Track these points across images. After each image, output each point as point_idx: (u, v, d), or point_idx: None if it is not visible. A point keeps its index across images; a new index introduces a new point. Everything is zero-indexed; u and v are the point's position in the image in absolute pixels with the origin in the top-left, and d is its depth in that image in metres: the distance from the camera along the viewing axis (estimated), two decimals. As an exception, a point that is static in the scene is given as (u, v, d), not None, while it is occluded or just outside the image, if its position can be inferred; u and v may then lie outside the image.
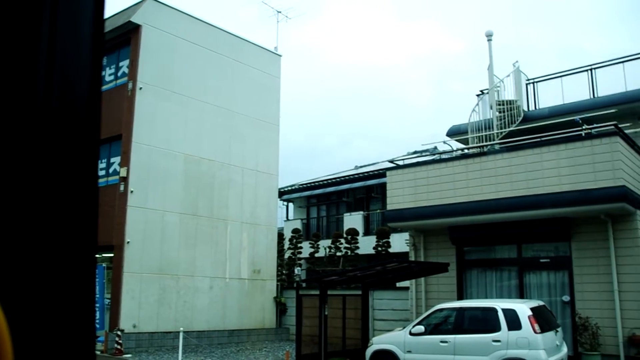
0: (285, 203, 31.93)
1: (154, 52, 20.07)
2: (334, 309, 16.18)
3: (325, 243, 25.27)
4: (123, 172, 18.96)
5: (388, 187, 16.29)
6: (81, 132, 0.99)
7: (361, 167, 32.86)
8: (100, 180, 20.18)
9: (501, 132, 17.65)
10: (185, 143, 20.61)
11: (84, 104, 1.00)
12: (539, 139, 14.52)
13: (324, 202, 30.28)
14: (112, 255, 19.75)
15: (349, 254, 22.98)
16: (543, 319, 11.47)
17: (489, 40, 18.94)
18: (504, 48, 68.35)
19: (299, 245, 24.95)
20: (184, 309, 19.89)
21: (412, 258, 16.57)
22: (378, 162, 31.96)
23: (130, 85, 19.60)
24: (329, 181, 29.93)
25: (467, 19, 75.16)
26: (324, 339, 14.08)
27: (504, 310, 11.47)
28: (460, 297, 15.47)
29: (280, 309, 22.89)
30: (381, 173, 27.11)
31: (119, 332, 17.39)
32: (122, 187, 18.99)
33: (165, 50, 20.51)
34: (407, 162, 17.90)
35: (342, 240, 23.75)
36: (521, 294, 14.63)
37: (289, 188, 31.66)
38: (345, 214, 27.63)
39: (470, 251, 15.87)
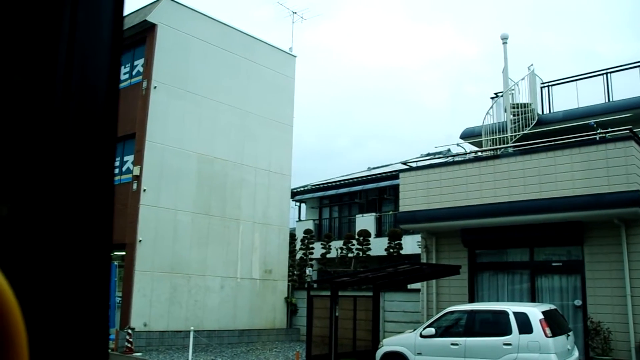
0: (298, 204, 31.98)
1: (168, 51, 20.17)
2: (345, 310, 16.17)
3: (337, 244, 25.25)
4: (136, 171, 19.08)
5: (401, 189, 16.26)
6: (98, 132, 0.99)
7: (374, 168, 32.83)
8: (114, 179, 20.30)
9: (515, 135, 17.56)
10: (199, 142, 20.69)
11: (102, 105, 1.01)
12: (553, 143, 14.42)
13: (337, 203, 30.28)
14: (123, 253, 19.87)
15: (361, 255, 22.95)
16: (554, 323, 11.40)
17: (504, 43, 18.86)
18: (518, 51, 68.17)
19: (311, 246, 24.96)
20: (195, 308, 19.96)
21: (423, 260, 16.54)
22: (391, 164, 31.92)
23: (144, 84, 19.71)
24: (342, 182, 29.92)
25: (481, 22, 75.01)
26: (335, 340, 14.06)
27: (515, 313, 11.41)
28: (472, 300, 15.42)
29: (291, 309, 22.91)
30: (394, 175, 27.06)
31: (129, 331, 17.48)
32: (135, 186, 19.09)
33: (180, 50, 20.61)
34: (420, 164, 17.82)
35: (354, 242, 23.73)
36: (533, 298, 14.56)
37: (302, 189, 31.70)
38: (357, 216, 27.61)
39: (482, 254, 15.81)
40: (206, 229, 20.58)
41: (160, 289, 19.07)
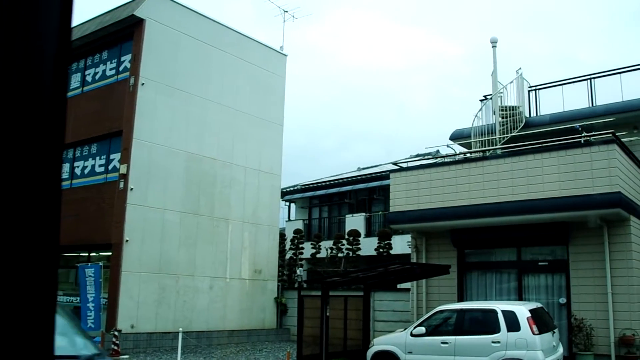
0: (287, 203, 31.83)
1: (157, 47, 19.94)
2: (335, 309, 16.02)
3: (327, 244, 25.11)
4: (123, 169, 18.82)
5: (391, 189, 16.16)
6: (41, 140, 0.99)
7: (363, 169, 32.73)
8: (99, 177, 20.09)
9: (503, 137, 17.52)
10: (187, 141, 20.47)
11: (46, 115, 1.01)
12: (540, 145, 14.49)
13: (326, 203, 30.16)
14: (109, 253, 19.63)
15: (351, 255, 22.83)
16: (541, 321, 11.49)
17: (494, 46, 18.80)
18: (502, 55, 68.35)
19: (301, 246, 24.81)
20: (184, 309, 19.75)
21: (413, 260, 16.44)
22: (381, 164, 31.85)
23: (132, 81, 19.45)
24: (332, 182, 29.80)
25: (467, 25, 75.17)
26: (326, 339, 13.93)
27: (503, 312, 11.42)
28: (461, 299, 15.36)
29: (281, 309, 22.75)
30: (383, 175, 26.99)
31: (116, 333, 17.24)
32: (121, 184, 18.84)
33: (169, 46, 20.38)
34: (410, 164, 17.75)
35: (344, 242, 23.61)
36: (520, 296, 14.60)
37: (291, 188, 31.55)
38: (347, 216, 27.50)
39: (471, 254, 15.78)
40: (195, 228, 20.37)
41: (148, 290, 18.84)
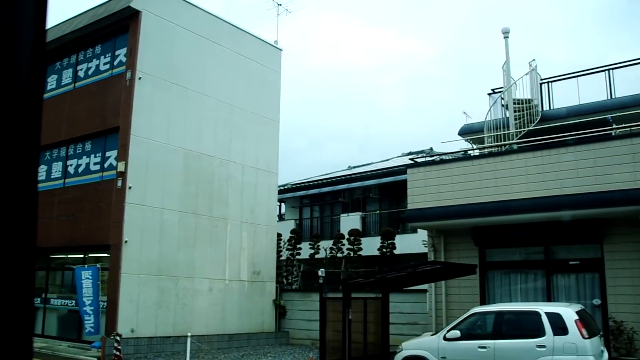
0: (278, 203, 31.02)
1: (153, 41, 19.04)
2: (354, 312, 15.35)
3: (322, 244, 24.48)
4: (121, 167, 17.89)
5: (408, 186, 15.59)
6: (18, 138, 1.04)
7: (354, 167, 32.19)
8: (95, 176, 19.11)
9: (520, 132, 17.13)
10: (185, 137, 19.62)
11: (22, 110, 1.04)
12: (574, 137, 13.98)
13: (318, 203, 29.49)
14: (106, 255, 18.71)
15: (352, 255, 22.22)
16: (587, 324, 10.93)
17: (506, 37, 18.43)
18: (474, 55, 68.81)
19: (298, 246, 24.10)
20: (183, 312, 18.89)
21: (430, 259, 15.92)
22: (372, 163, 31.38)
23: (128, 75, 18.52)
24: (324, 181, 29.17)
25: (437, 25, 75.29)
26: (348, 344, 13.28)
27: (547, 314, 10.88)
28: (483, 300, 14.89)
29: (280, 311, 22.03)
30: (379, 174, 26.50)
31: (117, 338, 16.33)
32: (119, 183, 17.91)
33: (165, 39, 19.50)
34: (424, 160, 17.20)
35: (344, 242, 22.98)
36: (549, 297, 14.10)
37: (281, 188, 30.78)
38: (342, 215, 26.87)
39: (494, 253, 15.27)
40: (193, 228, 19.53)
41: (148, 293, 17.95)
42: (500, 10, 69.93)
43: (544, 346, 10.61)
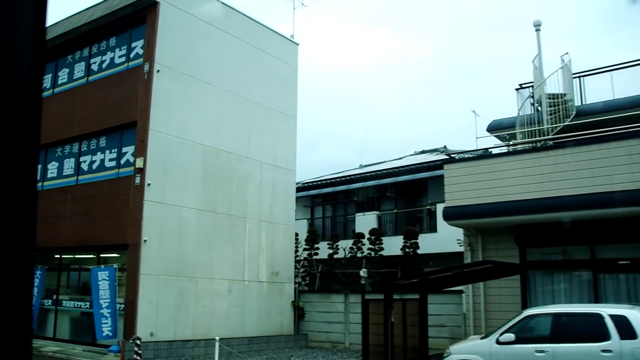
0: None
1: (171, 33, 18.33)
2: (379, 314, 14.68)
3: (341, 244, 23.82)
4: (139, 163, 17.14)
5: (446, 182, 14.96)
6: (18, 137, 0.99)
7: (366, 166, 31.56)
8: (110, 172, 18.36)
9: (555, 127, 16.53)
10: (204, 133, 18.90)
11: (22, 109, 1.00)
12: (628, 131, 13.38)
13: (330, 202, 28.79)
14: (115, 255, 18.08)
15: (373, 255, 21.55)
16: (650, 327, 10.34)
17: (537, 30, 17.85)
18: (467, 55, 68.45)
19: (316, 246, 23.42)
20: (203, 315, 18.17)
21: (467, 259, 15.32)
22: (385, 161, 30.77)
23: (146, 68, 17.79)
24: (337, 180, 28.50)
25: (431, 27, 74.82)
26: (391, 349, 12.61)
27: (612, 316, 10.28)
28: (525, 301, 14.28)
29: (298, 313, 21.36)
30: (396, 172, 25.88)
31: (138, 341, 15.60)
32: (137, 180, 17.17)
33: (183, 31, 18.79)
34: (461, 155, 16.57)
35: (364, 241, 22.32)
36: (596, 298, 13.50)
37: (293, 186, 30.07)
38: (357, 214, 26.20)
39: (535, 252, 14.66)
40: (212, 228, 18.81)
41: (167, 295, 17.22)
42: (494, 9, 69.67)
43: (610, 351, 10.00)
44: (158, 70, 17.69)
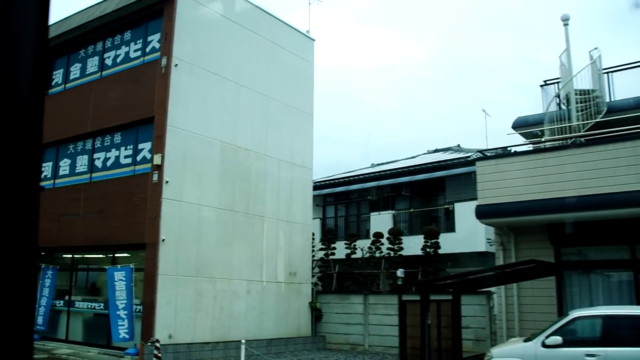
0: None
1: (189, 26, 17.83)
2: (414, 315, 14.21)
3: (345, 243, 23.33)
4: (157, 160, 16.62)
5: (478, 180, 14.48)
6: (20, 137, 1.01)
7: (377, 165, 31.07)
8: (126, 170, 17.84)
9: (586, 124, 16.09)
10: (222, 129, 18.41)
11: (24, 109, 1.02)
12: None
13: (343, 201, 28.27)
14: (126, 255, 17.61)
15: (392, 255, 21.06)
16: None
17: (566, 24, 17.42)
18: (464, 55, 68.13)
19: (332, 245, 22.91)
20: (221, 316, 17.66)
21: (498, 258, 14.85)
22: (397, 160, 30.29)
23: (164, 62, 17.27)
24: (350, 179, 28.00)
25: (428, 28, 74.45)
26: (429, 351, 12.12)
27: None
28: (561, 303, 13.82)
29: (316, 314, 20.86)
30: (412, 170, 25.41)
31: (157, 344, 15.10)
32: (155, 177, 16.65)
33: (201, 25, 18.30)
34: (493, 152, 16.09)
35: (383, 240, 21.81)
36: (637, 300, 13.04)
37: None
38: (372, 214, 25.68)
39: (571, 251, 14.20)
40: (231, 227, 18.30)
41: (185, 295, 16.71)
42: (491, 10, 69.36)
43: (666, 354, 9.56)
44: (176, 65, 17.19)
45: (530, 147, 16.94)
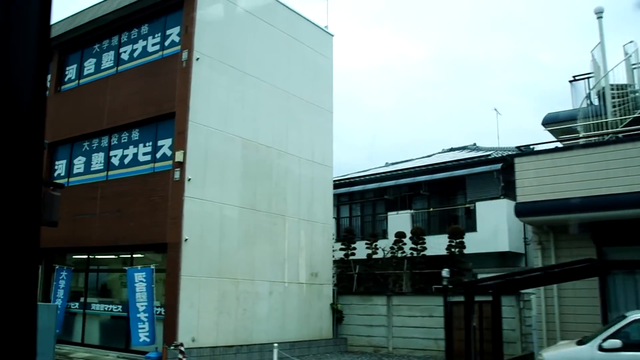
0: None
1: (209, 19, 17.27)
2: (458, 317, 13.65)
3: (362, 244, 22.80)
4: (179, 157, 16.04)
5: (517, 176, 13.97)
6: (21, 137, 0.99)
7: (392, 164, 30.55)
8: (145, 167, 17.26)
9: (624, 119, 15.57)
10: (243, 125, 17.85)
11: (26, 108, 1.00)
12: None
13: (358, 201, 27.73)
14: (139, 255, 17.06)
15: (415, 255, 20.51)
16: None
17: (599, 17, 16.90)
18: (465, 55, 67.78)
19: (352, 245, 22.36)
20: (244, 318, 17.09)
21: (537, 258, 14.32)
22: (412, 159, 29.79)
23: (184, 55, 16.69)
24: (365, 178, 27.48)
25: (428, 27, 74.10)
26: (474, 355, 11.57)
27: None
28: (605, 304, 13.31)
29: (337, 316, 20.31)
30: (430, 169, 24.90)
31: (181, 348, 14.52)
32: (177, 174, 16.07)
33: (220, 17, 17.74)
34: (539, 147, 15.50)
35: (405, 241, 21.26)
36: (688, 302, 12.56)
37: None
38: (389, 213, 25.13)
39: (614, 251, 13.68)
40: (253, 226, 17.74)
41: (208, 297, 16.13)
42: (493, 10, 69.01)
43: None
44: (197, 59, 16.62)
45: (559, 144, 16.42)
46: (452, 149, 29.37)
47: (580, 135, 15.42)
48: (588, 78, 17.85)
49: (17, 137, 0.97)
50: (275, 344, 14.01)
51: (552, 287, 13.83)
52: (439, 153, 29.31)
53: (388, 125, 67.39)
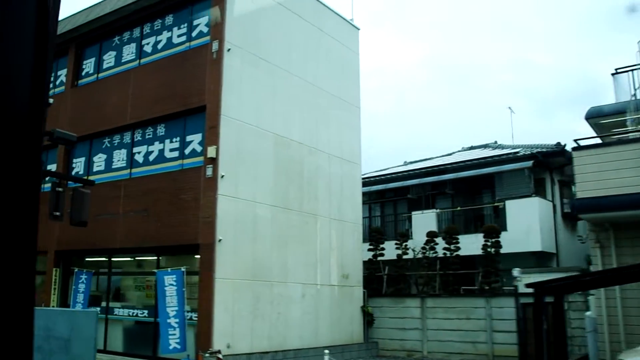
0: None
1: (238, 9, 16.44)
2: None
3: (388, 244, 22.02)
4: (211, 152, 15.19)
5: (576, 171, 13.23)
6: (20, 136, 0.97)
7: (410, 163, 29.79)
8: (172, 164, 16.40)
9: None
10: (274, 120, 17.04)
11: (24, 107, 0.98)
12: None
13: (378, 200, 26.94)
14: (154, 258, 16.25)
15: (448, 255, 19.75)
16: None
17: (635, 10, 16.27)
18: (461, 58, 67.41)
19: (381, 246, 21.57)
20: (278, 323, 16.25)
21: (596, 257, 13.59)
22: (432, 158, 29.05)
23: (215, 46, 15.85)
24: (386, 177, 26.71)
25: (423, 30, 73.73)
26: (547, 357, 10.80)
27: None
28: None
29: (367, 319, 19.52)
30: (456, 167, 24.17)
31: (220, 355, 13.70)
32: (209, 171, 15.22)
33: (250, 8, 16.92)
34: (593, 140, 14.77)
35: (437, 240, 20.49)
36: None
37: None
38: (414, 213, 24.36)
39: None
40: (286, 226, 16.92)
41: (242, 301, 15.29)
42: (488, 13, 68.71)
43: None
44: (229, 49, 15.80)
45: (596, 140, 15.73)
46: (472, 147, 28.68)
47: (631, 129, 14.71)
48: (632, 70, 17.18)
49: (14, 137, 0.94)
50: (327, 351, 13.17)
51: (614, 288, 13.10)
52: (460, 151, 28.60)
53: (382, 128, 66.87)
